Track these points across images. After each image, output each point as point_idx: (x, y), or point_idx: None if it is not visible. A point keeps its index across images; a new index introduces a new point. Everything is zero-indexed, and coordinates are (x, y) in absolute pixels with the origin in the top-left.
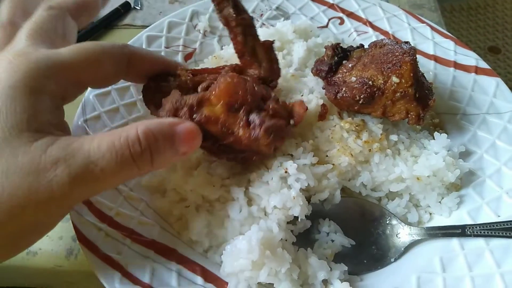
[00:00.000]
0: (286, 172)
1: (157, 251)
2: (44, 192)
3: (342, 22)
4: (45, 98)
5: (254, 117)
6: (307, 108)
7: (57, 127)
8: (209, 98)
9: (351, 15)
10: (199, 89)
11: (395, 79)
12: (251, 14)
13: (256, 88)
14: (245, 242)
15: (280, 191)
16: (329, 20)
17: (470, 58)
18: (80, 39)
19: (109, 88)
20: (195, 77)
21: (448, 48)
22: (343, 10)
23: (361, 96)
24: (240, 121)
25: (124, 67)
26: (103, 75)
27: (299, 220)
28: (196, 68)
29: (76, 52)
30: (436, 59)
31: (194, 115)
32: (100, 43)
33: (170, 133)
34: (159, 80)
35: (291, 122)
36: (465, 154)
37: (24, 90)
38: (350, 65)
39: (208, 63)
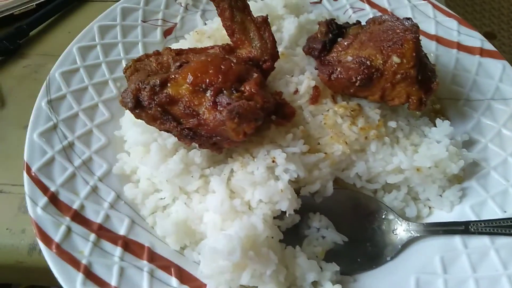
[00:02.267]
0: (273, 161)
1: (126, 248)
2: None
3: None
4: None
5: (222, 98)
6: (295, 113)
7: None
8: (175, 78)
9: None
10: (171, 69)
11: (396, 59)
12: None
13: (232, 68)
14: (225, 242)
15: (267, 183)
16: None
17: (474, 39)
18: (50, 13)
19: (78, 64)
20: (178, 56)
21: (451, 27)
22: None
23: (358, 78)
24: (206, 102)
25: None
26: None
27: (287, 215)
28: (182, 48)
29: None
30: (438, 39)
31: (156, 96)
32: None
33: None
34: (140, 59)
35: (272, 117)
36: (468, 143)
37: None
38: (346, 43)
39: (189, 39)
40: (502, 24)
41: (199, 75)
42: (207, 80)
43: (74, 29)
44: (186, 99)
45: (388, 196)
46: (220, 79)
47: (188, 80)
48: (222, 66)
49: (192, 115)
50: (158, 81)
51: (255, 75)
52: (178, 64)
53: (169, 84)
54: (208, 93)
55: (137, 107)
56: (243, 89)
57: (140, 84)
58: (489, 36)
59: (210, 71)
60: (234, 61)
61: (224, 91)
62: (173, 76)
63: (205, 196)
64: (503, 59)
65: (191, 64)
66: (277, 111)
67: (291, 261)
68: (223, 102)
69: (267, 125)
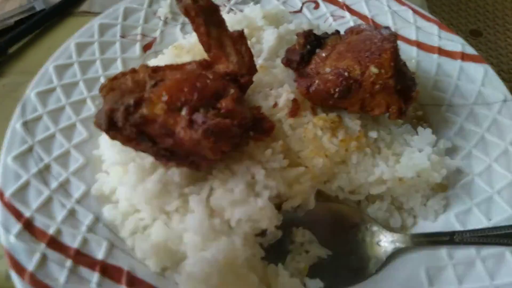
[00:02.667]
0: (253, 178)
1: (104, 273)
2: None
3: (317, 6)
4: None
5: (198, 117)
6: (274, 128)
7: None
8: (149, 97)
9: None
10: (146, 88)
11: (373, 69)
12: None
13: (208, 84)
14: (202, 267)
15: (246, 201)
16: (303, 4)
17: (455, 43)
18: (31, 28)
19: (54, 84)
20: (155, 74)
21: (432, 32)
22: None
23: (336, 89)
24: (181, 121)
25: None
26: None
27: (268, 232)
28: (158, 65)
29: None
30: (419, 45)
31: (131, 116)
32: None
33: None
34: (116, 77)
35: (250, 133)
36: (452, 150)
37: None
38: (324, 54)
39: (168, 54)
40: (488, 21)
41: (174, 93)
42: (182, 99)
43: (54, 44)
44: (161, 119)
45: (372, 207)
46: (195, 97)
47: (163, 99)
48: (197, 83)
49: (168, 135)
50: (132, 101)
51: (232, 91)
52: (153, 82)
53: (143, 104)
54: (184, 112)
55: (112, 128)
56: (219, 106)
57: (114, 104)
58: (475, 33)
59: (185, 89)
60: (211, 77)
61: (200, 109)
62: (147, 96)
63: (184, 216)
64: (484, 62)
65: (165, 83)
66: (255, 126)
67: (273, 280)
68: (199, 121)
69: (245, 141)
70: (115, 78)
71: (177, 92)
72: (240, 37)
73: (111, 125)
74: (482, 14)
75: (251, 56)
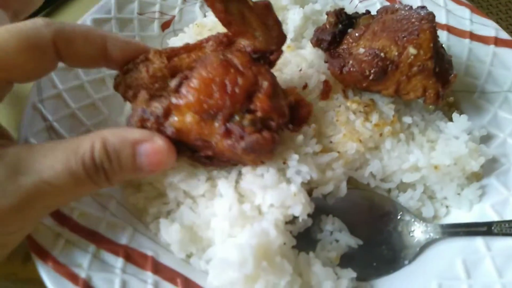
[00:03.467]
0: (284, 163)
1: (129, 259)
2: None
3: None
4: None
5: (234, 127)
6: (311, 112)
7: None
8: (177, 105)
9: None
10: (170, 87)
11: (412, 50)
12: None
13: (239, 82)
14: (236, 252)
15: (278, 186)
16: None
17: (488, 27)
18: (45, 3)
19: None
20: (171, 62)
21: (463, 16)
22: None
23: (372, 71)
24: (217, 131)
25: (51, 56)
26: (22, 70)
27: (300, 220)
28: (173, 47)
29: None
30: (449, 29)
31: (162, 127)
32: (13, 29)
33: (130, 153)
34: (128, 71)
35: (290, 126)
36: (486, 138)
37: None
38: (357, 34)
39: (189, 32)
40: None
41: (203, 100)
42: (214, 106)
43: (69, 20)
44: (195, 131)
45: (404, 196)
46: (228, 103)
47: (192, 108)
48: (227, 82)
49: (205, 146)
50: (161, 110)
51: (265, 83)
52: (176, 83)
53: (173, 113)
54: (218, 122)
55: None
56: (253, 107)
57: (143, 114)
58: None
59: (215, 94)
60: (239, 66)
61: (235, 116)
62: (175, 102)
63: (212, 201)
64: None
65: (191, 85)
66: (293, 112)
67: (306, 269)
68: (236, 132)
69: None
70: (127, 71)
71: (207, 98)
72: (266, 9)
73: None
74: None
75: (280, 27)
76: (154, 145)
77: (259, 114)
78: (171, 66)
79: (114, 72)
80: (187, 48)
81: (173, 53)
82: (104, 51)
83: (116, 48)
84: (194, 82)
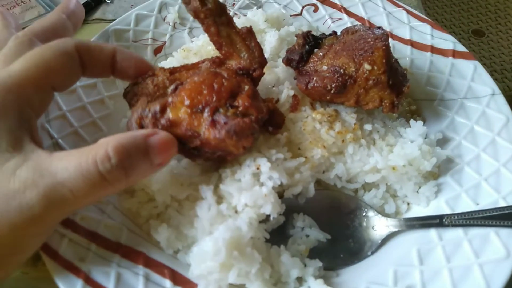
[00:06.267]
0: (258, 169)
1: (123, 255)
2: (16, 215)
3: (316, 9)
4: (11, 115)
5: (219, 117)
6: (284, 120)
7: (29, 141)
8: (173, 102)
9: (325, 1)
10: (168, 92)
11: (367, 66)
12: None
13: (225, 84)
14: (211, 243)
15: (252, 189)
16: (303, 7)
17: (447, 41)
18: None
19: (75, 86)
20: (173, 76)
21: (425, 32)
22: None
23: (333, 85)
24: (205, 122)
25: (77, 63)
26: (58, 76)
27: (272, 218)
28: (175, 66)
29: (24, 61)
30: (413, 44)
31: (159, 122)
32: (48, 45)
33: (144, 146)
34: (137, 82)
35: (269, 129)
36: (443, 141)
37: None
38: (321, 53)
39: (177, 56)
40: (490, 21)
41: (194, 96)
42: (203, 101)
43: None
44: (186, 122)
45: (368, 195)
46: (214, 98)
47: (185, 103)
48: (214, 84)
49: (194, 136)
50: (158, 107)
51: (246, 87)
52: (173, 87)
53: (168, 109)
54: (206, 113)
55: None
56: (237, 104)
57: (142, 112)
58: (477, 33)
59: (204, 92)
60: (225, 75)
61: (220, 109)
62: (170, 100)
63: (194, 203)
64: (474, 59)
65: (185, 86)
66: (270, 119)
67: (276, 259)
68: (221, 121)
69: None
70: (135, 83)
71: (197, 95)
72: (248, 33)
73: None
74: (484, 14)
75: (261, 49)
76: (162, 135)
77: (240, 108)
78: (172, 78)
79: (111, 94)
80: (186, 67)
81: (175, 70)
82: (114, 62)
83: (123, 58)
84: (187, 85)
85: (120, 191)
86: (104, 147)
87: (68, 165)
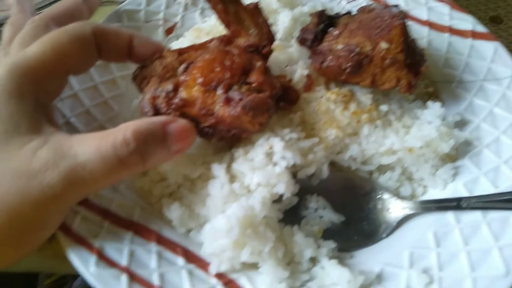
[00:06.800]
0: (271, 148)
1: (136, 232)
2: (37, 193)
3: None
4: (28, 98)
5: (233, 94)
6: (299, 97)
7: (47, 124)
8: (185, 81)
9: None
10: (178, 72)
11: (383, 44)
12: None
13: (236, 61)
14: (224, 221)
15: (265, 168)
16: None
17: (466, 22)
18: None
19: None
20: (181, 57)
21: (443, 12)
22: None
23: (348, 65)
24: (219, 99)
25: (94, 48)
26: (74, 61)
27: (285, 198)
28: (182, 47)
29: (40, 45)
30: (430, 24)
31: (172, 101)
32: (65, 29)
33: (162, 132)
34: (145, 65)
35: (281, 104)
36: (461, 124)
37: (5, 96)
38: (336, 33)
39: (189, 36)
40: (508, 7)
41: (207, 74)
42: (216, 78)
43: None
44: (200, 100)
45: (383, 177)
46: (227, 75)
47: (198, 81)
48: (226, 61)
49: (208, 114)
50: (171, 86)
51: (258, 63)
52: (185, 66)
53: (181, 88)
54: (219, 91)
55: (157, 114)
56: (250, 80)
57: (154, 92)
58: (495, 20)
59: (217, 69)
60: (236, 52)
61: (234, 86)
62: (183, 79)
63: (206, 182)
64: (495, 40)
65: (197, 65)
66: (283, 95)
67: (289, 239)
68: (235, 98)
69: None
70: (144, 66)
71: (210, 73)
72: (256, 10)
73: (156, 112)
74: (502, 1)
75: (268, 26)
76: (181, 123)
77: (254, 85)
78: (181, 59)
79: (123, 74)
80: (194, 47)
81: (183, 51)
82: (130, 47)
83: (140, 43)
84: (199, 63)
85: None
86: (123, 132)
87: (87, 147)
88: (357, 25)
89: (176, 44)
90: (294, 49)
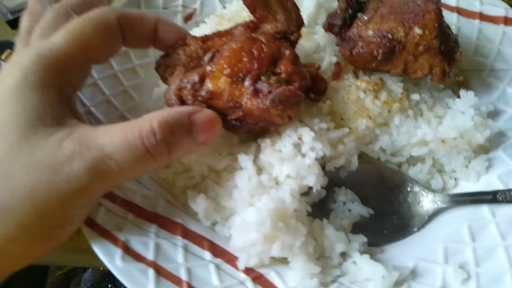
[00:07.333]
0: (299, 139)
1: (160, 225)
2: (64, 185)
3: None
4: (52, 90)
5: (262, 86)
6: (327, 87)
7: (71, 115)
8: (212, 71)
9: None
10: (204, 61)
11: (417, 30)
12: None
13: (264, 50)
14: (255, 214)
15: (294, 159)
16: None
17: (498, 8)
18: None
19: None
20: (205, 44)
21: None
22: None
23: (380, 51)
24: (246, 91)
25: (119, 36)
26: (99, 51)
27: (314, 190)
28: (206, 34)
29: (64, 35)
30: (459, 11)
31: (199, 93)
32: (89, 17)
33: (188, 123)
34: (168, 54)
35: (311, 95)
36: (494, 114)
37: (29, 87)
38: (366, 18)
39: (210, 23)
40: None
41: (234, 65)
42: (243, 69)
43: None
44: (227, 92)
45: (413, 169)
46: (255, 66)
47: (225, 72)
48: (254, 51)
49: (236, 107)
50: (197, 77)
51: (287, 52)
52: (210, 55)
53: (207, 79)
54: (247, 82)
55: (183, 106)
56: (279, 70)
57: (180, 83)
58: None
59: (244, 59)
60: (264, 40)
61: (262, 77)
62: (209, 69)
63: (233, 173)
64: None
65: (223, 54)
66: (312, 85)
67: (319, 233)
68: (264, 90)
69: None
70: (167, 54)
71: (237, 63)
72: None
73: (182, 103)
74: None
75: (298, 10)
76: (207, 113)
77: (283, 75)
78: (205, 47)
79: (142, 62)
80: (219, 34)
81: (207, 38)
82: (155, 32)
83: (165, 30)
84: (225, 52)
85: None
86: (149, 122)
87: (114, 138)
88: (389, 10)
89: (197, 31)
90: (320, 36)
